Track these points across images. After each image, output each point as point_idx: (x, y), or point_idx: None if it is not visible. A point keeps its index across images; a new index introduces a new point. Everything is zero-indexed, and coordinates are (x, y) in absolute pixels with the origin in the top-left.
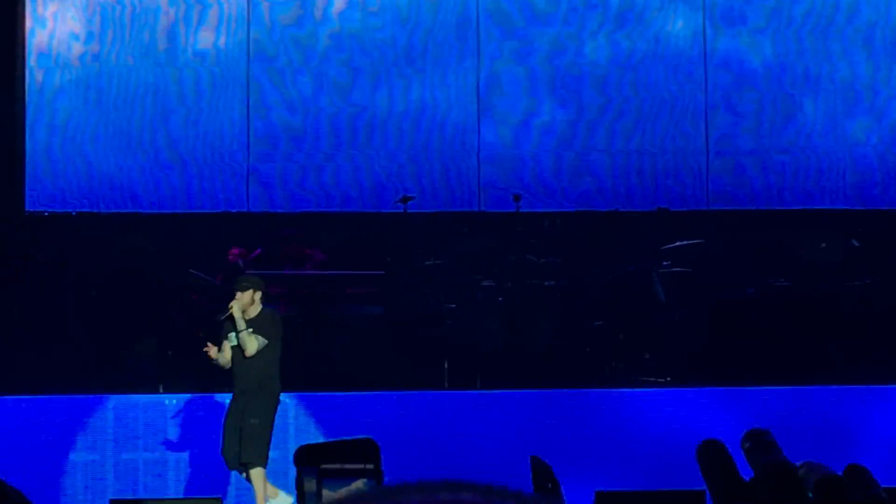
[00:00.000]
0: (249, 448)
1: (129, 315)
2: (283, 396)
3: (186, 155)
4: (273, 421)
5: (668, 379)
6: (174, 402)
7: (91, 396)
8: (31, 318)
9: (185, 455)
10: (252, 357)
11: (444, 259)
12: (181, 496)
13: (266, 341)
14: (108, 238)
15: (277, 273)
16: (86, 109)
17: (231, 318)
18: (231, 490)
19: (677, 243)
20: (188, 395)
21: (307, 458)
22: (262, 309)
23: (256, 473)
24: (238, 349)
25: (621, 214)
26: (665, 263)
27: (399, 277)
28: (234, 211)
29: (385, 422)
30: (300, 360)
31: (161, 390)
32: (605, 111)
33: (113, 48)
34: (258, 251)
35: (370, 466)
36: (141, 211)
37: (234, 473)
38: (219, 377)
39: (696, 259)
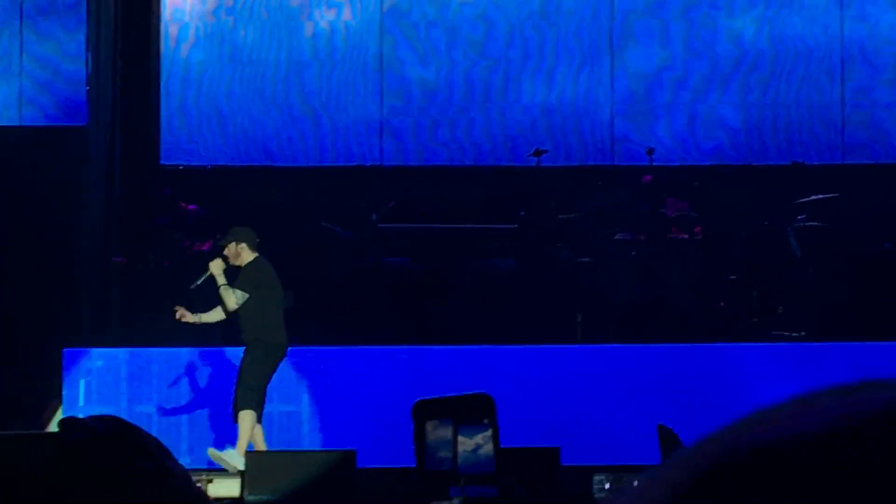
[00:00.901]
0: (241, 392)
1: None
2: (413, 350)
3: (320, 109)
4: (269, 371)
5: (803, 333)
6: (308, 355)
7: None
8: (165, 271)
9: (319, 408)
10: (244, 309)
11: (578, 213)
12: (315, 448)
13: (247, 294)
14: (241, 191)
15: (410, 227)
16: (220, 64)
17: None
18: (361, 442)
19: (812, 197)
20: (318, 348)
21: (424, 413)
22: (251, 260)
23: (245, 416)
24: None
25: (755, 168)
26: (800, 217)
27: (532, 231)
28: (367, 164)
29: (514, 375)
30: (433, 314)
31: (298, 342)
32: (740, 64)
33: (247, 2)
34: (391, 204)
35: (486, 421)
36: (275, 164)
37: (365, 427)
38: (345, 330)
39: (832, 213)
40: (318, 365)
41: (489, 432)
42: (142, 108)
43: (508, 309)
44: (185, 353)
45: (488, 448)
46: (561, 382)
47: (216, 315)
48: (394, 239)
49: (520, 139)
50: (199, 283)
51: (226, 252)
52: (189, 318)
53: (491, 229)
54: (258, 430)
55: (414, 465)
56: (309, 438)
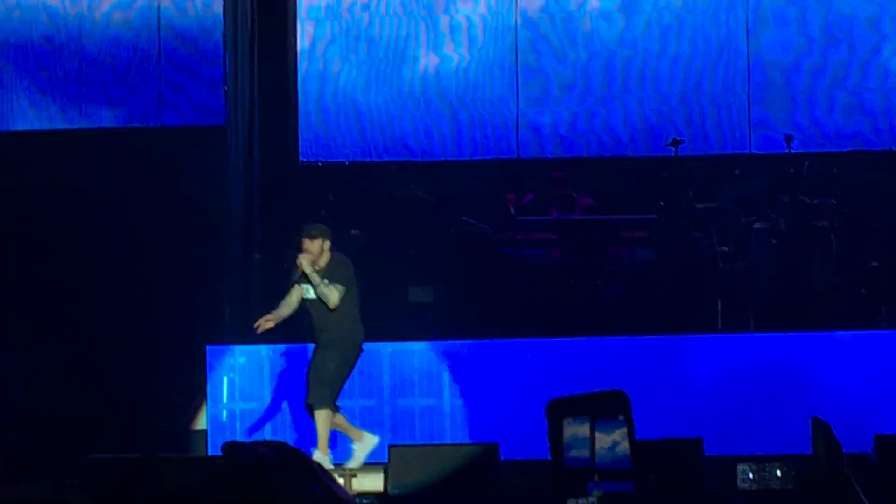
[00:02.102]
0: (317, 390)
1: (403, 262)
2: (554, 342)
3: (457, 102)
4: (350, 368)
5: None
6: (449, 348)
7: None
8: None
9: (461, 402)
10: (339, 306)
11: (716, 201)
12: (457, 442)
13: (345, 288)
14: (380, 186)
15: (548, 218)
16: (356, 59)
17: (303, 273)
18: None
19: None
20: (460, 341)
21: (558, 411)
22: (332, 256)
23: (321, 415)
24: (317, 303)
25: None
26: None
27: (671, 221)
28: (504, 157)
29: (655, 365)
30: (572, 304)
31: (440, 336)
32: (878, 50)
33: None
34: (529, 197)
35: (621, 418)
36: (412, 159)
37: (508, 420)
38: (486, 323)
39: None
40: (459, 358)
41: (625, 429)
42: (279, 106)
43: (648, 299)
44: None
45: (624, 445)
46: (702, 372)
47: (287, 310)
48: (533, 231)
49: (657, 129)
50: (295, 279)
51: (313, 249)
52: (272, 321)
53: (630, 220)
54: (340, 416)
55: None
56: (452, 432)
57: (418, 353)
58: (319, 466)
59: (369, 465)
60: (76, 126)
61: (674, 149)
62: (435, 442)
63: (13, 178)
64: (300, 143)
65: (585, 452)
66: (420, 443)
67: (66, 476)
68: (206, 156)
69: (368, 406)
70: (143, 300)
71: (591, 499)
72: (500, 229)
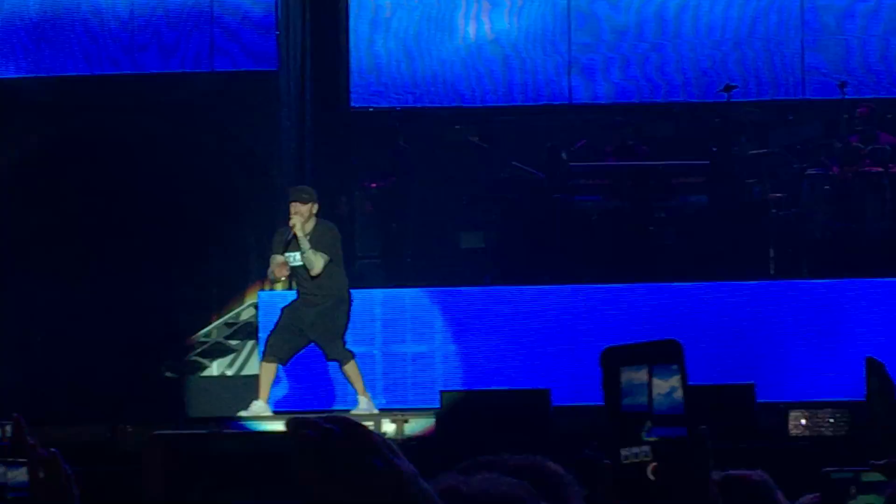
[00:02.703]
0: (336, 347)
1: (454, 209)
2: (605, 288)
3: (509, 48)
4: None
5: None
6: (499, 294)
7: (411, 290)
8: (360, 215)
9: (511, 347)
10: (326, 269)
11: (769, 147)
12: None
13: (328, 258)
14: (431, 132)
15: (601, 165)
16: (408, 5)
17: (292, 238)
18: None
19: None
20: (510, 287)
21: (614, 359)
22: (317, 222)
23: (351, 366)
24: (303, 268)
25: None
26: None
27: (724, 167)
28: (556, 103)
29: (707, 311)
30: (625, 251)
31: (490, 282)
32: None
33: None
34: (581, 142)
35: (675, 367)
36: (464, 105)
37: (558, 365)
38: (537, 269)
39: None
40: (509, 304)
41: (678, 376)
42: (331, 51)
43: (701, 246)
44: (377, 293)
45: (679, 392)
46: (754, 318)
47: (277, 274)
48: (584, 177)
49: (711, 74)
50: (280, 244)
51: (303, 211)
52: (285, 269)
53: (682, 166)
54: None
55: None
56: (501, 377)
57: (469, 298)
58: (382, 440)
59: (420, 410)
60: (127, 71)
61: (727, 94)
62: (485, 388)
63: (65, 124)
64: (352, 89)
65: (642, 398)
66: (471, 388)
67: (123, 422)
68: (258, 101)
69: (420, 351)
70: (196, 248)
71: (645, 448)
72: (551, 175)
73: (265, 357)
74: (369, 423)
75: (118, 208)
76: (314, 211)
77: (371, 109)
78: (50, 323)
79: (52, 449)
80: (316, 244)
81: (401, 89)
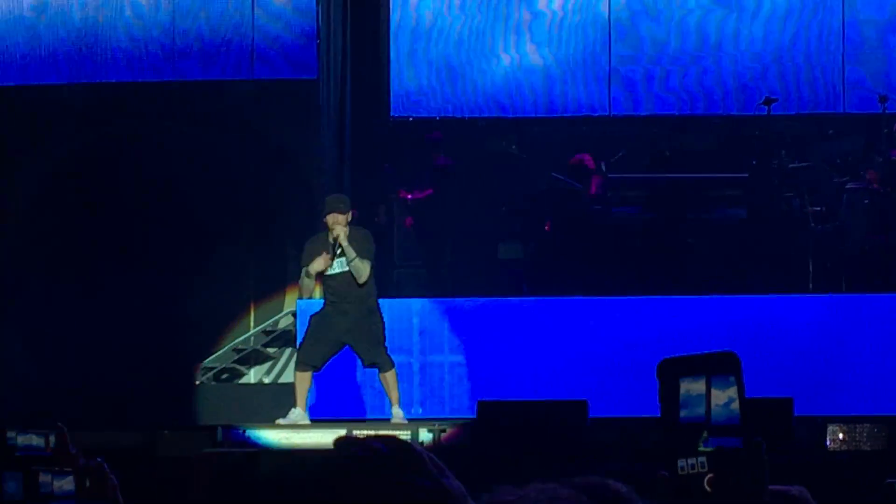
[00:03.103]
0: (380, 353)
1: (492, 220)
2: (643, 300)
3: (549, 59)
4: None
5: None
6: (538, 305)
7: (448, 300)
8: (399, 225)
9: (549, 358)
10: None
11: (809, 161)
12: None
13: (371, 263)
14: (471, 143)
15: (639, 176)
16: (450, 15)
17: (335, 243)
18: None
19: None
20: (549, 298)
21: (673, 370)
22: (353, 229)
23: (392, 376)
24: (344, 275)
25: None
26: None
27: (763, 180)
28: (596, 114)
29: (745, 325)
30: (663, 263)
31: (529, 293)
32: None
33: None
34: (620, 154)
35: (732, 378)
36: (504, 115)
37: (596, 377)
38: (576, 280)
39: None
40: (547, 315)
41: (735, 388)
42: (372, 60)
43: (739, 259)
44: (415, 303)
45: (736, 403)
46: (793, 332)
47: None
48: (624, 189)
49: (751, 87)
50: (338, 251)
51: (342, 221)
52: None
53: (721, 178)
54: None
55: (656, 417)
56: (538, 388)
57: (507, 309)
58: (431, 459)
59: (458, 419)
60: (168, 79)
61: (767, 107)
62: (522, 399)
63: (105, 131)
64: (392, 99)
65: (700, 409)
66: (507, 398)
67: (161, 427)
68: (298, 110)
69: (457, 361)
70: (235, 255)
71: (702, 459)
72: (589, 187)
73: (299, 367)
74: (405, 433)
75: (157, 215)
76: (349, 219)
77: (411, 119)
78: (88, 329)
79: (98, 458)
80: (359, 252)
81: (441, 99)
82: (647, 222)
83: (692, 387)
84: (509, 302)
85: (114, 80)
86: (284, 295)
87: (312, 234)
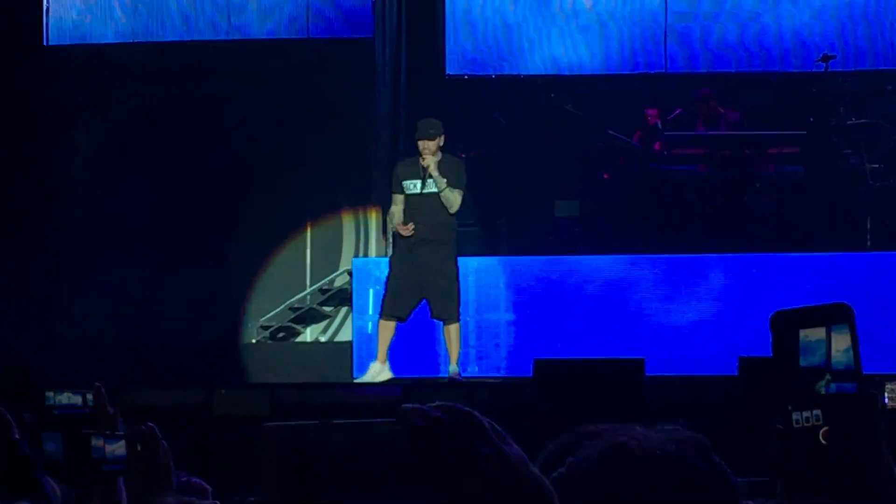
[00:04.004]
0: (451, 306)
1: (550, 177)
2: (700, 258)
3: (605, 15)
4: None
5: None
6: (593, 263)
7: (505, 258)
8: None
9: (604, 316)
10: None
11: (867, 118)
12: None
13: (462, 192)
14: (526, 101)
15: (696, 133)
16: None
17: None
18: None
19: None
20: (604, 256)
21: (789, 321)
22: (444, 157)
23: (456, 330)
24: (430, 203)
25: None
26: None
27: (821, 137)
28: (652, 72)
29: (803, 282)
30: (720, 221)
31: (584, 251)
32: None
33: None
34: (677, 111)
35: (847, 328)
36: (560, 73)
37: (651, 336)
38: (631, 238)
39: None
40: (603, 273)
41: (850, 337)
42: (427, 18)
43: (797, 216)
44: (471, 261)
45: (852, 352)
46: (852, 290)
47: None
48: (681, 146)
49: (809, 44)
50: (428, 181)
51: (432, 147)
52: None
53: (779, 136)
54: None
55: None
56: (594, 346)
57: (563, 267)
58: (491, 426)
59: (514, 378)
60: (225, 38)
61: (824, 64)
62: (578, 356)
63: (162, 90)
64: (447, 57)
65: (821, 355)
66: (563, 357)
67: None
68: (354, 68)
69: (514, 319)
70: (291, 214)
71: (817, 412)
72: (647, 144)
73: (384, 315)
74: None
75: (215, 174)
76: (440, 144)
77: (466, 77)
78: (148, 287)
79: (150, 423)
80: (449, 181)
81: (496, 57)
82: (704, 180)
83: (811, 333)
84: (565, 260)
85: (171, 40)
86: (341, 253)
87: (368, 195)
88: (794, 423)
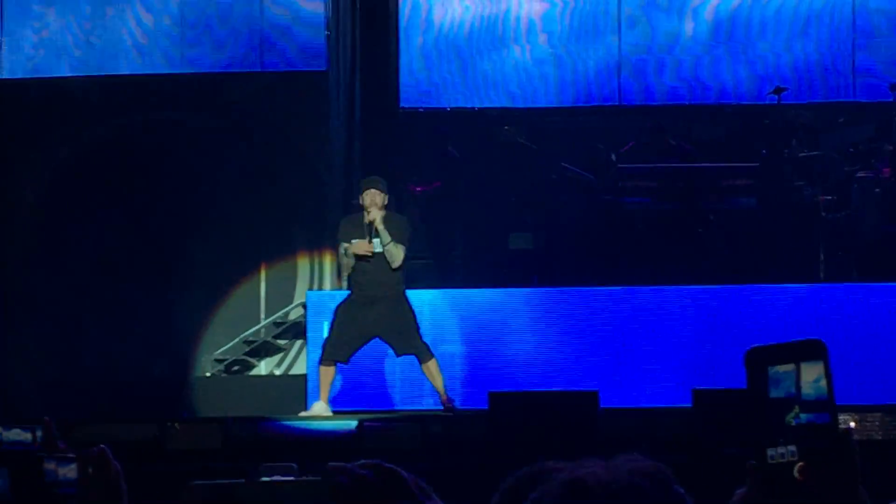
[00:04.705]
0: (419, 343)
1: (503, 210)
2: (652, 290)
3: (560, 48)
4: None
5: None
6: (547, 295)
7: (459, 290)
8: (409, 216)
9: (559, 348)
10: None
11: (820, 150)
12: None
13: (405, 248)
14: (481, 133)
15: (649, 166)
16: (461, 4)
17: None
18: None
19: None
20: (558, 289)
21: (760, 357)
22: (389, 214)
23: (434, 364)
24: (378, 259)
25: None
26: None
27: (773, 169)
28: (606, 104)
29: (756, 314)
30: (674, 253)
31: (538, 283)
32: None
33: None
34: (631, 144)
35: (820, 363)
36: (515, 106)
37: (607, 366)
38: (585, 270)
39: None
40: (557, 306)
41: (823, 373)
42: (381, 51)
43: (750, 248)
44: (425, 294)
45: (824, 381)
46: (803, 321)
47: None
48: (634, 179)
49: (762, 76)
50: (377, 241)
51: (379, 202)
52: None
53: (732, 168)
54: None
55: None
56: (549, 379)
57: (517, 299)
58: (416, 484)
59: (468, 410)
60: (178, 71)
61: (777, 97)
62: (532, 389)
63: (114, 123)
64: (401, 90)
65: (789, 386)
66: (518, 389)
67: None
68: (308, 101)
69: (468, 352)
70: (244, 246)
71: (791, 448)
72: (600, 177)
73: (324, 361)
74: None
75: (166, 206)
76: (385, 202)
77: (420, 110)
78: (98, 321)
79: (102, 445)
80: (395, 237)
81: (451, 90)
82: (658, 213)
83: (781, 368)
84: (520, 292)
85: (124, 73)
86: (295, 285)
87: (321, 226)
88: (768, 458)
